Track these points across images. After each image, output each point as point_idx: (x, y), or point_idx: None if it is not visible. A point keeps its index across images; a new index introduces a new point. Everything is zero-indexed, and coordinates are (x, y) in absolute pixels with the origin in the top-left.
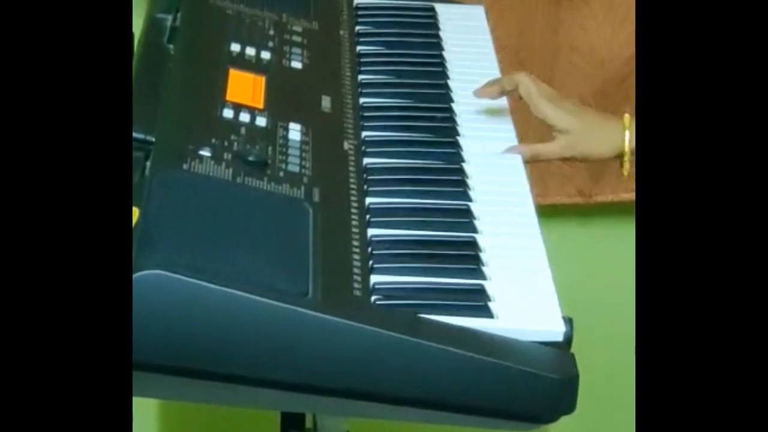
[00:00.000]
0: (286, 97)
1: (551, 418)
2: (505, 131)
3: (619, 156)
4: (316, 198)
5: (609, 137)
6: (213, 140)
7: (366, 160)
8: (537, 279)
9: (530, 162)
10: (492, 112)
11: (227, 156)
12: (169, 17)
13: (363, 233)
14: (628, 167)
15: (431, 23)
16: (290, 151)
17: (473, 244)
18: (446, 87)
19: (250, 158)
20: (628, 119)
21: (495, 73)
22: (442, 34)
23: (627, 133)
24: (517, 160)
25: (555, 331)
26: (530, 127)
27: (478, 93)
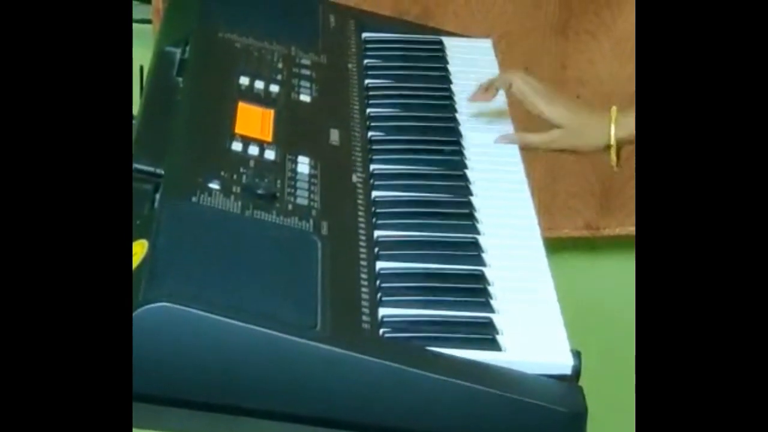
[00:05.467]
0: (295, 130)
1: None
2: (513, 164)
3: (607, 148)
4: (325, 231)
5: (598, 131)
6: (222, 173)
7: (374, 193)
8: (545, 312)
9: (523, 149)
10: (500, 146)
11: (236, 189)
12: (178, 50)
13: (371, 266)
14: (615, 158)
15: (439, 56)
16: (299, 184)
17: (481, 277)
18: (454, 120)
19: (259, 191)
20: (615, 112)
21: (503, 107)
22: (450, 67)
23: (612, 126)
24: (525, 194)
25: (563, 364)
26: (537, 156)
27: (474, 98)
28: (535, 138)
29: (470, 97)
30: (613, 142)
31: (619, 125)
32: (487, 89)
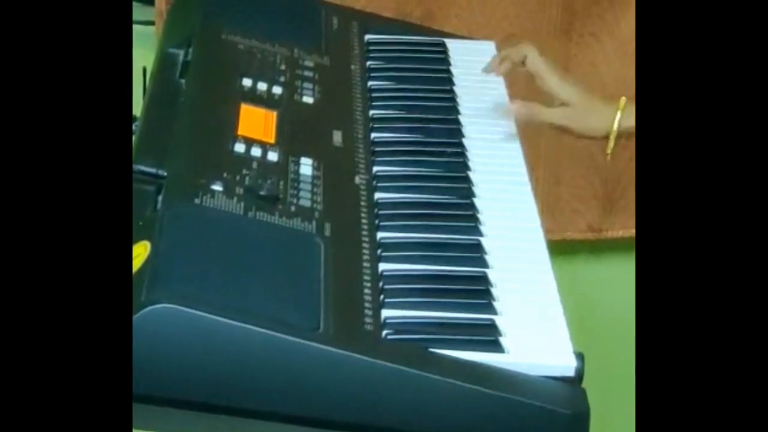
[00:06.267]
0: (298, 131)
1: None
2: (516, 166)
3: (608, 135)
4: (328, 232)
5: (605, 116)
6: (225, 175)
7: (377, 195)
8: (548, 314)
9: (526, 123)
10: (502, 147)
11: (239, 190)
12: (181, 52)
13: (374, 268)
14: (611, 146)
15: (442, 59)
16: (302, 185)
17: (484, 279)
18: (457, 122)
19: (262, 193)
20: (624, 101)
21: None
22: (452, 69)
23: (618, 113)
24: (528, 196)
25: (566, 366)
26: (539, 158)
27: (487, 69)
28: (541, 109)
29: (484, 68)
30: (615, 128)
31: (626, 114)
32: (502, 61)
